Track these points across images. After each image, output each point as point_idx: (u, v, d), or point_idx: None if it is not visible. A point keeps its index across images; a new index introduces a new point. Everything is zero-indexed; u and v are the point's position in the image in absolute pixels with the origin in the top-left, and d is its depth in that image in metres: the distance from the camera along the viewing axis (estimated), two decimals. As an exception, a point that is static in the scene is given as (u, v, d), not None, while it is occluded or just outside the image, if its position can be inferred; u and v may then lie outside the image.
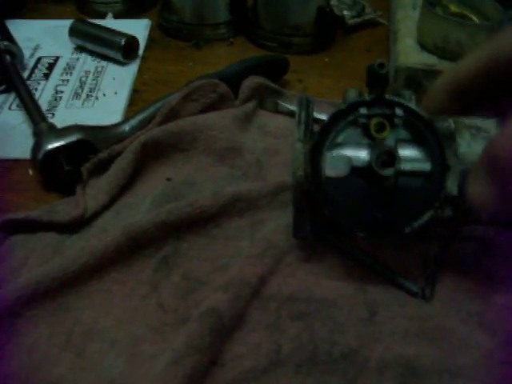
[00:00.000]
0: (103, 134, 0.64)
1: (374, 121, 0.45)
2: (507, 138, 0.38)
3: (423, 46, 0.73)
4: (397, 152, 0.44)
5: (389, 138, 0.45)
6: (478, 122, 0.47)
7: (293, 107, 0.71)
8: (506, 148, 0.38)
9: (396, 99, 0.46)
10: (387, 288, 0.51)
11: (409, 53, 0.73)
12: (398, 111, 0.46)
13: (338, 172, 0.45)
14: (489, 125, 0.47)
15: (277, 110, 0.71)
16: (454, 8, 0.75)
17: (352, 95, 0.49)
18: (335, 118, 0.48)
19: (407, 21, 0.79)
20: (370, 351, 0.46)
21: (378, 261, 0.52)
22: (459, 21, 0.70)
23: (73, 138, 0.61)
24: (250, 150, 0.64)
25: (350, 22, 0.92)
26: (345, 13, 0.92)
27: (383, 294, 0.50)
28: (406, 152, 0.46)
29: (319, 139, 0.48)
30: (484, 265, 0.52)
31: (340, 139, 0.47)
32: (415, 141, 0.46)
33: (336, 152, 0.47)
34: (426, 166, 0.45)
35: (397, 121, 0.46)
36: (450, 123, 0.47)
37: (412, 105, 0.47)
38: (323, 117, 0.67)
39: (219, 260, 0.53)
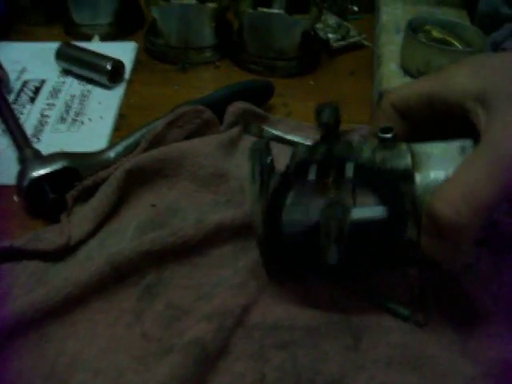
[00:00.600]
0: (88, 160, 0.64)
1: (324, 183, 0.45)
2: (443, 202, 0.41)
3: (406, 71, 0.74)
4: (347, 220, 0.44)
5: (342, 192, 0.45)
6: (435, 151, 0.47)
7: (278, 132, 0.71)
8: (443, 212, 0.40)
9: (345, 155, 0.46)
10: (371, 315, 0.51)
11: (392, 77, 0.74)
12: (348, 168, 0.45)
13: (294, 229, 0.46)
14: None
15: (262, 135, 0.72)
16: (436, 34, 0.75)
17: (301, 151, 0.48)
18: (284, 181, 0.48)
19: (390, 45, 0.80)
20: (353, 381, 0.46)
21: (364, 286, 0.52)
22: (441, 47, 0.71)
23: (58, 166, 0.61)
24: (234, 175, 0.64)
25: (335, 45, 0.93)
26: (329, 36, 0.93)
27: (367, 322, 0.50)
28: (361, 201, 0.45)
29: (272, 202, 0.47)
30: (465, 291, 0.52)
31: (292, 199, 0.47)
32: (371, 189, 0.45)
33: (291, 211, 0.46)
34: (382, 213, 0.44)
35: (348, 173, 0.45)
36: (406, 161, 0.45)
37: (364, 154, 0.46)
38: (308, 142, 0.67)
39: (202, 288, 0.53)
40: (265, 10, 0.83)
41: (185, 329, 0.49)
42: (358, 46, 0.96)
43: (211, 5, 0.87)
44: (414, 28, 0.75)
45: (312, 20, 0.85)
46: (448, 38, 0.75)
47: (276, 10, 0.83)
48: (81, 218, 0.59)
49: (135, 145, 0.66)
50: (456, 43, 0.75)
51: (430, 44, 0.71)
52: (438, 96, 0.47)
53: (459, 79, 0.46)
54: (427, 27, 0.76)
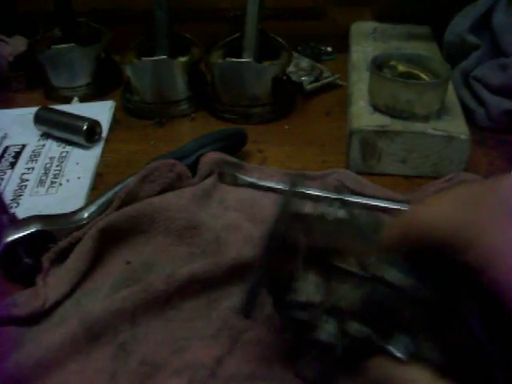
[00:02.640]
0: (62, 222, 0.64)
1: None
2: None
3: (375, 108, 0.75)
4: None
5: None
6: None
7: (252, 179, 0.72)
8: None
9: None
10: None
11: (361, 115, 0.75)
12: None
13: None
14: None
15: (236, 183, 0.72)
16: (401, 68, 0.76)
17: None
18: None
19: (360, 83, 0.81)
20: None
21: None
22: (405, 81, 0.71)
23: (32, 229, 0.61)
24: (209, 227, 0.64)
25: (309, 87, 0.94)
26: (303, 79, 0.94)
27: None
28: None
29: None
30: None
31: None
32: None
33: None
34: None
35: None
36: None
37: None
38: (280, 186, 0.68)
39: (176, 342, 0.53)
40: (233, 59, 0.84)
41: (158, 385, 0.48)
42: (332, 86, 0.97)
43: (182, 59, 0.89)
44: (379, 64, 0.76)
45: (281, 65, 0.87)
46: (414, 71, 0.76)
47: (245, 59, 0.84)
48: (56, 280, 0.59)
49: (109, 203, 0.66)
50: (423, 75, 0.75)
51: (394, 79, 0.72)
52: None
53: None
54: (392, 62, 0.77)
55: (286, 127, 0.88)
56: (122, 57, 0.91)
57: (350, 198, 0.63)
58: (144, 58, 0.87)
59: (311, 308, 0.42)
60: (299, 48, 1.06)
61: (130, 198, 0.66)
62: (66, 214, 0.66)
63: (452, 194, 0.40)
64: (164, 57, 0.86)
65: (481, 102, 0.85)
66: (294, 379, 0.48)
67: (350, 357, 0.43)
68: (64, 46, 0.93)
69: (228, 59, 0.85)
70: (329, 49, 1.08)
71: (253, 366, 0.50)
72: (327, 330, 0.42)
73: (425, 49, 0.93)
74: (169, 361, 0.51)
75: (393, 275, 0.39)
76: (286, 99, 0.92)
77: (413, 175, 0.74)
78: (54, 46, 0.93)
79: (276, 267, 0.42)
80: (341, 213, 0.46)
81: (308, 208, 0.46)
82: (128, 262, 0.62)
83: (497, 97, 0.84)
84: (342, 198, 0.47)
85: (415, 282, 0.39)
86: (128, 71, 0.89)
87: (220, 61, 0.86)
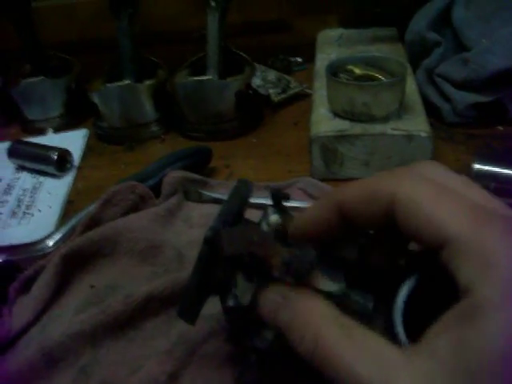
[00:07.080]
0: (28, 251, 0.66)
1: None
2: None
3: (335, 113, 0.75)
4: None
5: None
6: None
7: (216, 195, 0.72)
8: None
9: None
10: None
11: (320, 122, 0.75)
12: None
13: None
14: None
15: (202, 200, 0.73)
16: (358, 71, 0.76)
17: None
18: None
19: (322, 90, 0.82)
20: None
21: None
22: (360, 84, 0.72)
23: (-4, 261, 0.63)
24: (171, 245, 0.65)
25: (276, 99, 0.94)
26: (270, 91, 0.95)
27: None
28: None
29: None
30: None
31: None
32: None
33: None
34: None
35: None
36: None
37: None
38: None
39: (136, 362, 0.53)
40: (195, 78, 0.85)
41: (116, 406, 0.49)
42: (301, 96, 0.97)
43: (148, 82, 0.90)
44: (336, 70, 0.77)
45: (243, 80, 0.87)
46: (371, 73, 0.76)
47: (205, 77, 0.85)
48: (21, 309, 0.60)
49: (74, 230, 0.67)
50: (380, 76, 0.76)
51: (349, 83, 0.73)
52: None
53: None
54: (349, 67, 0.77)
55: (254, 140, 0.88)
56: (89, 85, 0.92)
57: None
58: (109, 85, 0.88)
59: (249, 314, 0.42)
60: (269, 62, 1.07)
61: (92, 223, 0.67)
62: (31, 243, 0.67)
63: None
64: (128, 82, 0.88)
65: (446, 98, 0.86)
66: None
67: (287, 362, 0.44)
68: (33, 79, 0.95)
69: (190, 78, 0.86)
70: (299, 59, 1.08)
71: (206, 377, 0.50)
72: (264, 336, 0.42)
73: (390, 50, 0.94)
74: (127, 380, 0.51)
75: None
76: (253, 113, 0.92)
77: (377, 177, 0.74)
78: (23, 80, 0.95)
79: (212, 272, 0.42)
80: (274, 218, 0.47)
81: (248, 215, 0.46)
82: (92, 286, 0.62)
83: (461, 91, 0.84)
84: (277, 204, 0.47)
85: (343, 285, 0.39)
86: (95, 98, 0.90)
87: (182, 80, 0.87)
